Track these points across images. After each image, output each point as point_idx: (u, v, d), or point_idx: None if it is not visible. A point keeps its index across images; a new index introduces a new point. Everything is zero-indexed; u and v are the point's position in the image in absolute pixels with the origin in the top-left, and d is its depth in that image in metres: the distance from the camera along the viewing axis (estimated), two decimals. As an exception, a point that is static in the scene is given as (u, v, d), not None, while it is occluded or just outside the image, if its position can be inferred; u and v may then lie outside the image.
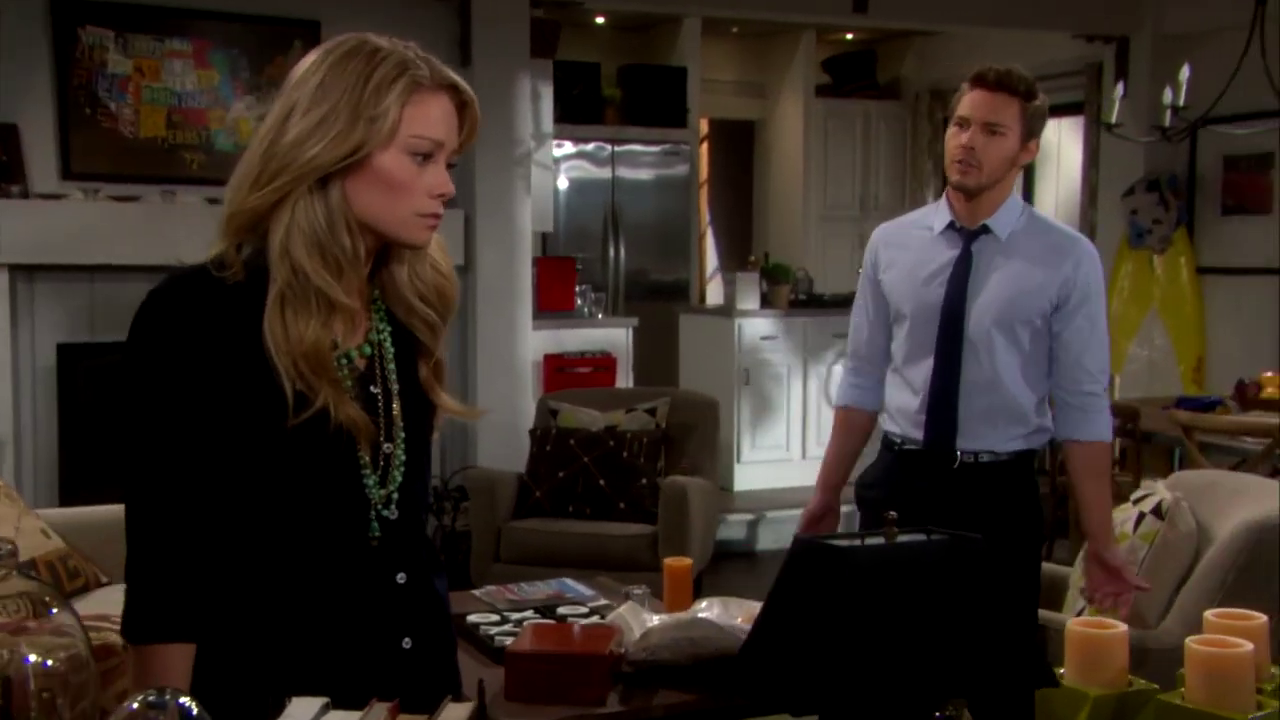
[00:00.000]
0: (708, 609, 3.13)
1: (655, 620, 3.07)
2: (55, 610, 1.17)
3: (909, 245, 2.99)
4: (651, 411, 5.10)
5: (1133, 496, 3.47)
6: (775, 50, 9.15)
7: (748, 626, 3.05)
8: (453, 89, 1.56)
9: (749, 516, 6.72)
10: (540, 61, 6.50)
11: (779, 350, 7.28)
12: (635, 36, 8.73)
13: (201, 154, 6.20)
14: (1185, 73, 5.50)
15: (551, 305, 6.63)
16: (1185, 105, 5.51)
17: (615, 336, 6.63)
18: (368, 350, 1.58)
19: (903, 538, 1.38)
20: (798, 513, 6.72)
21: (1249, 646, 1.53)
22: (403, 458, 1.58)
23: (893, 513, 1.36)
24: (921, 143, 9.21)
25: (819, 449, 7.42)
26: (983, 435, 2.88)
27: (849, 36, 9.29)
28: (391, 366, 1.60)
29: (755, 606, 3.19)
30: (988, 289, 2.87)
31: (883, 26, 8.37)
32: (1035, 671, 1.29)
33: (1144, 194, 7.44)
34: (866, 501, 3.09)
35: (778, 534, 6.63)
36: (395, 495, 1.57)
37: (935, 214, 2.98)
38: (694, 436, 5.13)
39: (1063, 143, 8.65)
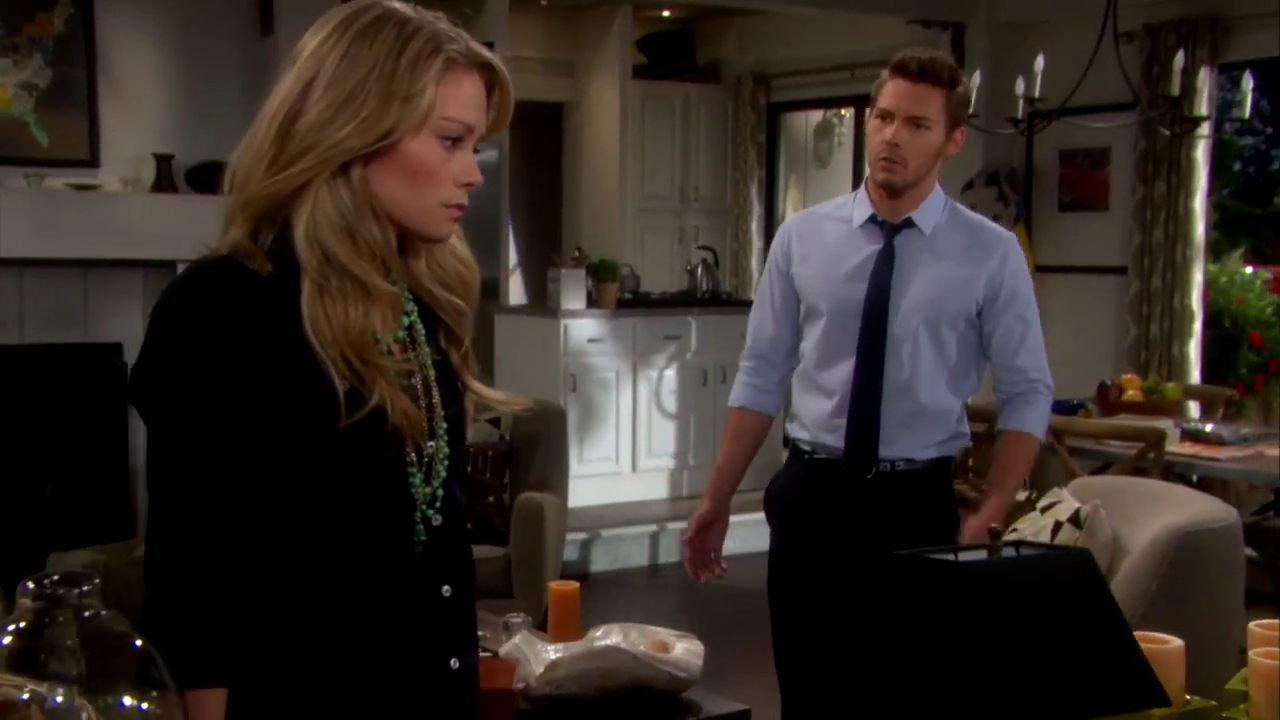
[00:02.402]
0: (605, 637, 3.12)
1: (553, 652, 3.05)
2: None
3: (825, 238, 3.04)
4: (495, 422, 5.06)
5: (1040, 505, 3.62)
6: (587, 26, 9.17)
7: (659, 655, 3.08)
8: (486, 68, 1.55)
9: (581, 536, 6.71)
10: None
11: (607, 354, 7.32)
12: (437, 7, 8.61)
13: (-52, 125, 5.85)
14: (1040, 63, 5.76)
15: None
16: (1043, 97, 5.78)
17: (438, 339, 6.53)
18: (401, 335, 1.56)
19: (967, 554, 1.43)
20: (633, 531, 6.85)
21: (1315, 658, 1.63)
22: (446, 451, 1.57)
23: (995, 525, 1.39)
24: (745, 130, 9.37)
25: (651, 461, 7.58)
26: (901, 441, 2.95)
27: (665, 14, 9.40)
28: (426, 351, 1.58)
29: (658, 633, 3.19)
30: (913, 286, 2.94)
31: (705, 3, 8.50)
32: (1146, 689, 1.35)
33: (983, 188, 7.77)
34: (775, 513, 3.14)
35: (614, 555, 6.66)
36: (440, 493, 1.56)
37: (854, 205, 3.04)
38: (540, 449, 5.11)
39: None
